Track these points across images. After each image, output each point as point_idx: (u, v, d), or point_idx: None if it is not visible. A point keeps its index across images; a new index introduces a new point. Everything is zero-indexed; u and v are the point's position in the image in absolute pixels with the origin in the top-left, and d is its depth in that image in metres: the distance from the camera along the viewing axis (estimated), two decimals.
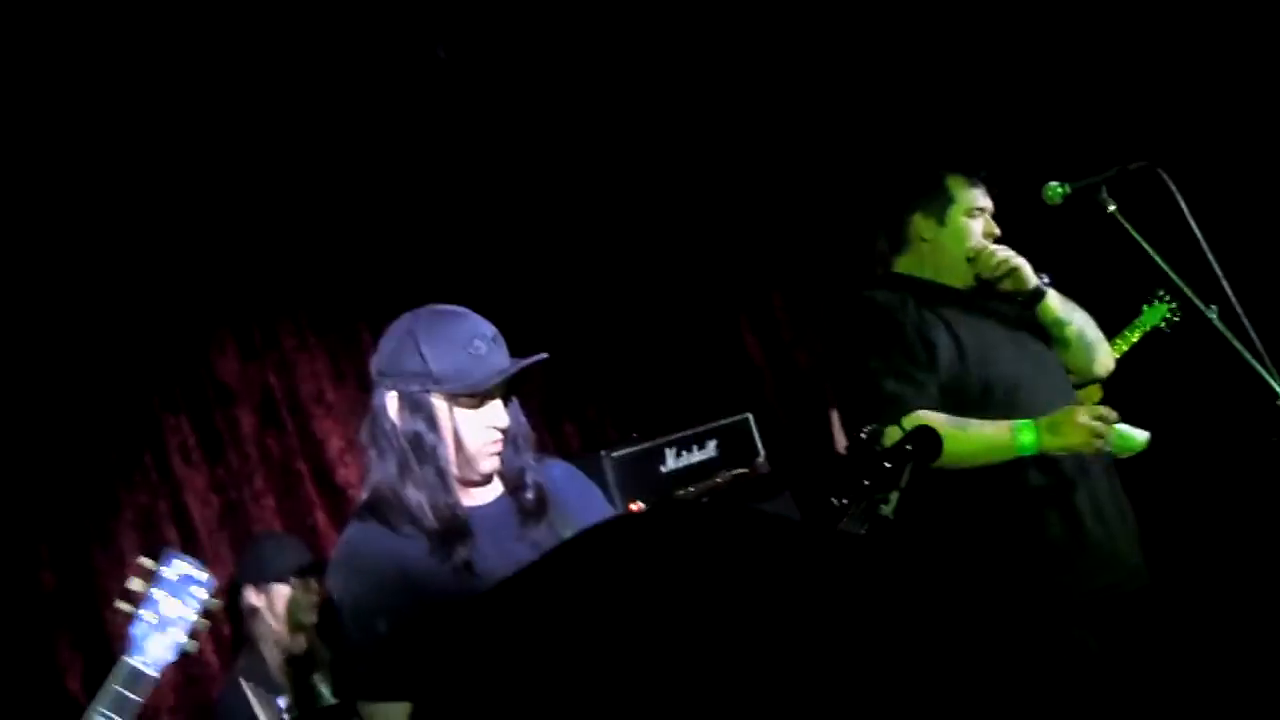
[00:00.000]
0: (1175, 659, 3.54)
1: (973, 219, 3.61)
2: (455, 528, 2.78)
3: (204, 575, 2.75)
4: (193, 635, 2.72)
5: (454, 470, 2.82)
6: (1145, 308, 4.40)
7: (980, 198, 3.64)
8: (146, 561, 2.72)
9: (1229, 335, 3.33)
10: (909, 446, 2.72)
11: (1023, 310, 3.65)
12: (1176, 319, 4.24)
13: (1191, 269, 3.47)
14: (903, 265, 3.69)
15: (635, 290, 6.26)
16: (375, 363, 2.87)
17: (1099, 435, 3.25)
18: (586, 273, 6.11)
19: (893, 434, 3.20)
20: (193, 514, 4.93)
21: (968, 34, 5.99)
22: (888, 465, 2.77)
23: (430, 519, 2.77)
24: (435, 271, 5.47)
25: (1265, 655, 4.70)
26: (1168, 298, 4.25)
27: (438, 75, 5.25)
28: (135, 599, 2.67)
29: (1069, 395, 3.63)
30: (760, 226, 6.49)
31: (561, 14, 5.60)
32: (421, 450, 2.78)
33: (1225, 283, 3.36)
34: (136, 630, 2.65)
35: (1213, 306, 3.42)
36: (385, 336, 2.87)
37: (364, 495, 2.88)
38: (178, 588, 2.70)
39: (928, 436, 2.75)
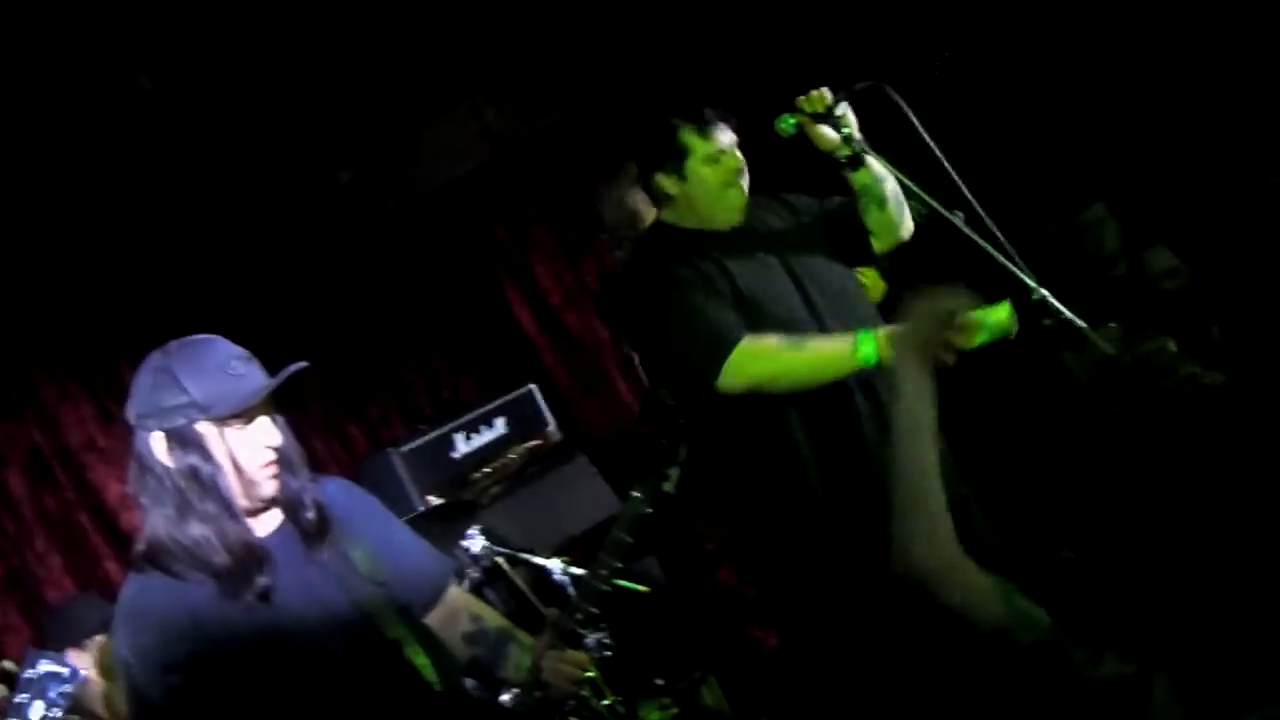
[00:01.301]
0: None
1: (714, 165, 3.58)
2: (251, 557, 2.71)
3: (65, 670, 2.62)
4: None
5: (238, 501, 2.75)
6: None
7: (717, 139, 3.60)
8: (7, 664, 2.59)
9: (977, 238, 3.43)
10: (681, 420, 2.75)
11: (796, 223, 3.68)
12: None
13: (931, 180, 3.58)
14: (667, 218, 3.68)
15: (395, 279, 6.19)
16: (132, 408, 2.77)
17: (949, 330, 3.16)
18: (339, 272, 6.02)
19: (735, 367, 3.24)
20: None
21: None
22: (664, 442, 2.82)
23: (221, 555, 2.69)
24: (185, 296, 5.32)
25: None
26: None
27: (145, 106, 5.07)
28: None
29: (859, 314, 3.61)
30: (518, 193, 6.45)
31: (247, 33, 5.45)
32: (200, 484, 2.69)
33: (965, 189, 3.45)
34: None
35: (957, 212, 3.51)
36: (137, 379, 2.76)
37: (140, 547, 2.76)
38: (42, 687, 2.57)
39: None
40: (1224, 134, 5.53)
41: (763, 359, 3.33)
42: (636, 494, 3.03)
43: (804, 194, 3.79)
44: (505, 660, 2.97)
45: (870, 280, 4.14)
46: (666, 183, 3.61)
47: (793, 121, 3.51)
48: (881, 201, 3.61)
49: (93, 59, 4.72)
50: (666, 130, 3.63)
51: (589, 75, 6.12)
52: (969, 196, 3.45)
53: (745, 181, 3.62)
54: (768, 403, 3.38)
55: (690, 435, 3.01)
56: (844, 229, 3.67)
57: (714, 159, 3.58)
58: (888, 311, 3.71)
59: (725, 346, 3.31)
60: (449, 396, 6.09)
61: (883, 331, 3.29)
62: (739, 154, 3.63)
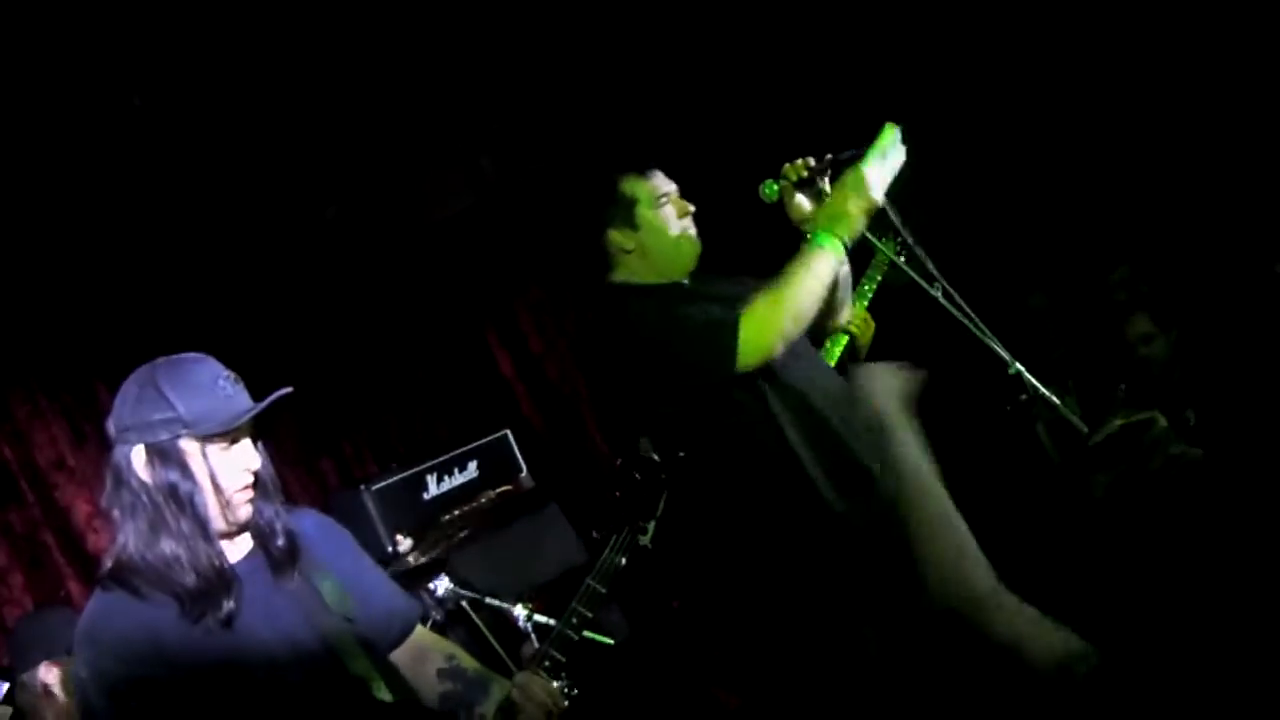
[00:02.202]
0: None
1: (661, 208, 3.55)
2: (219, 580, 2.70)
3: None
4: None
5: (214, 522, 2.74)
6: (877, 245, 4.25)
7: (661, 184, 3.58)
8: None
9: (956, 311, 3.46)
10: (663, 475, 2.75)
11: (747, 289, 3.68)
12: (903, 254, 4.12)
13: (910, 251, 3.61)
14: (619, 277, 3.60)
15: (378, 319, 6.19)
16: (115, 420, 2.74)
17: (862, 191, 3.29)
18: (323, 309, 6.01)
19: (748, 339, 3.21)
20: None
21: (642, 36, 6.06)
22: (645, 494, 2.81)
23: (189, 575, 2.68)
24: (166, 320, 5.30)
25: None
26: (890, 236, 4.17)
27: (133, 124, 5.07)
28: None
29: (818, 361, 3.65)
30: (499, 244, 6.48)
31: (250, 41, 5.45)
32: (178, 501, 2.67)
33: (932, 265, 3.49)
34: None
35: (936, 285, 3.53)
36: (122, 392, 2.75)
37: (107, 564, 2.74)
38: None
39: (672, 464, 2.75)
40: (1225, 218, 5.57)
41: (767, 315, 3.27)
42: (613, 546, 3.02)
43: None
44: (483, 696, 2.95)
45: (859, 319, 4.13)
46: (619, 237, 3.55)
47: (776, 187, 3.52)
48: (832, 285, 3.52)
49: (80, 75, 4.72)
50: (607, 184, 3.59)
51: (581, 125, 6.16)
52: (937, 273, 3.48)
53: (693, 230, 3.58)
54: (764, 427, 3.35)
55: (676, 485, 2.99)
56: None
57: (661, 202, 3.55)
58: (877, 352, 3.73)
59: (730, 328, 3.26)
60: (423, 437, 6.08)
61: (820, 216, 3.35)
62: (684, 199, 3.61)
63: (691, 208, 3.59)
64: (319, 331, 5.93)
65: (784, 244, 3.47)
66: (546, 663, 2.96)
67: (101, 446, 4.89)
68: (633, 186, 3.57)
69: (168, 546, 2.67)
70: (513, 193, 6.28)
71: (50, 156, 5.01)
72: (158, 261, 5.53)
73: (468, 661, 3.02)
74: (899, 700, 3.36)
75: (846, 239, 3.33)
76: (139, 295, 5.44)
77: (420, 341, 6.29)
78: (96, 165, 5.16)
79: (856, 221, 3.33)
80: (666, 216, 3.55)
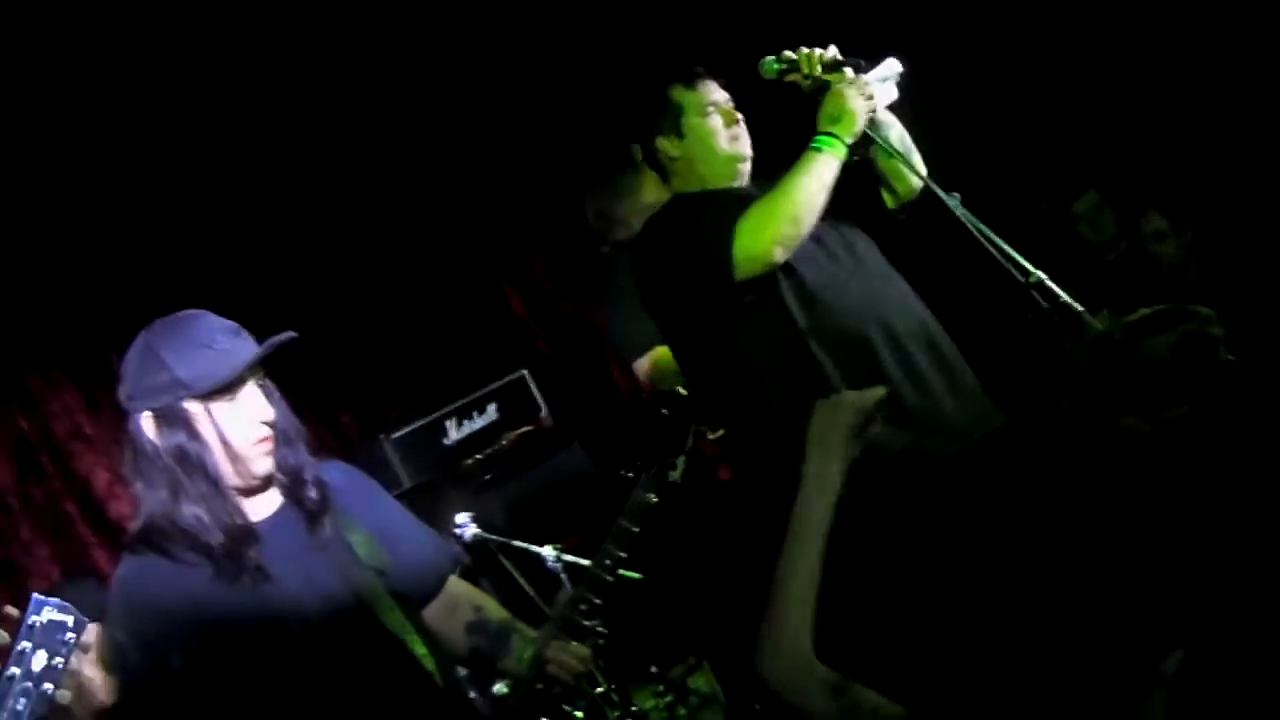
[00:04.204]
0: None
1: (708, 117, 3.55)
2: (239, 535, 2.68)
3: (70, 618, 2.53)
4: (63, 686, 2.52)
5: (229, 479, 2.71)
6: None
7: (708, 92, 3.58)
8: (10, 610, 2.50)
9: (973, 221, 3.39)
10: (690, 409, 2.72)
11: None
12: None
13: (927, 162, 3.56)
14: (675, 187, 3.62)
15: (388, 265, 6.14)
16: (122, 390, 2.75)
17: (864, 91, 3.31)
18: (332, 258, 5.96)
19: (744, 244, 3.18)
20: None
21: None
22: (673, 430, 2.79)
23: (214, 533, 2.66)
24: (174, 279, 5.25)
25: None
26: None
27: (135, 91, 5.02)
28: None
29: (876, 268, 3.58)
30: (505, 182, 6.41)
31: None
32: (188, 463, 2.66)
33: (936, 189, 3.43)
34: (3, 689, 2.45)
35: (954, 194, 3.47)
36: (125, 360, 2.75)
37: (135, 527, 2.74)
38: (46, 635, 2.48)
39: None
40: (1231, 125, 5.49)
41: (761, 222, 3.27)
42: (643, 483, 2.99)
43: None
44: (507, 651, 2.94)
45: None
46: (666, 145, 3.57)
47: (776, 67, 3.49)
48: (890, 149, 3.53)
49: (85, 47, 4.70)
50: (656, 92, 3.60)
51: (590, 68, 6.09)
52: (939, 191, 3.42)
53: (745, 138, 3.58)
54: (801, 355, 3.30)
55: (708, 417, 2.97)
56: (855, 183, 3.56)
57: (708, 110, 3.55)
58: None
59: (724, 237, 3.26)
60: (440, 381, 6.05)
61: (822, 116, 3.34)
62: (734, 108, 3.60)
63: (739, 116, 3.57)
64: (329, 284, 5.89)
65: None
66: (582, 605, 2.93)
67: (117, 414, 4.92)
68: (680, 94, 3.57)
69: (188, 509, 2.66)
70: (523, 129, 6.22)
71: (53, 125, 4.99)
72: (164, 221, 5.49)
73: (494, 612, 3.00)
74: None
75: (847, 138, 3.31)
76: (146, 255, 5.40)
77: (431, 285, 6.24)
78: (100, 130, 5.14)
79: (857, 120, 3.32)
80: (714, 125, 3.54)
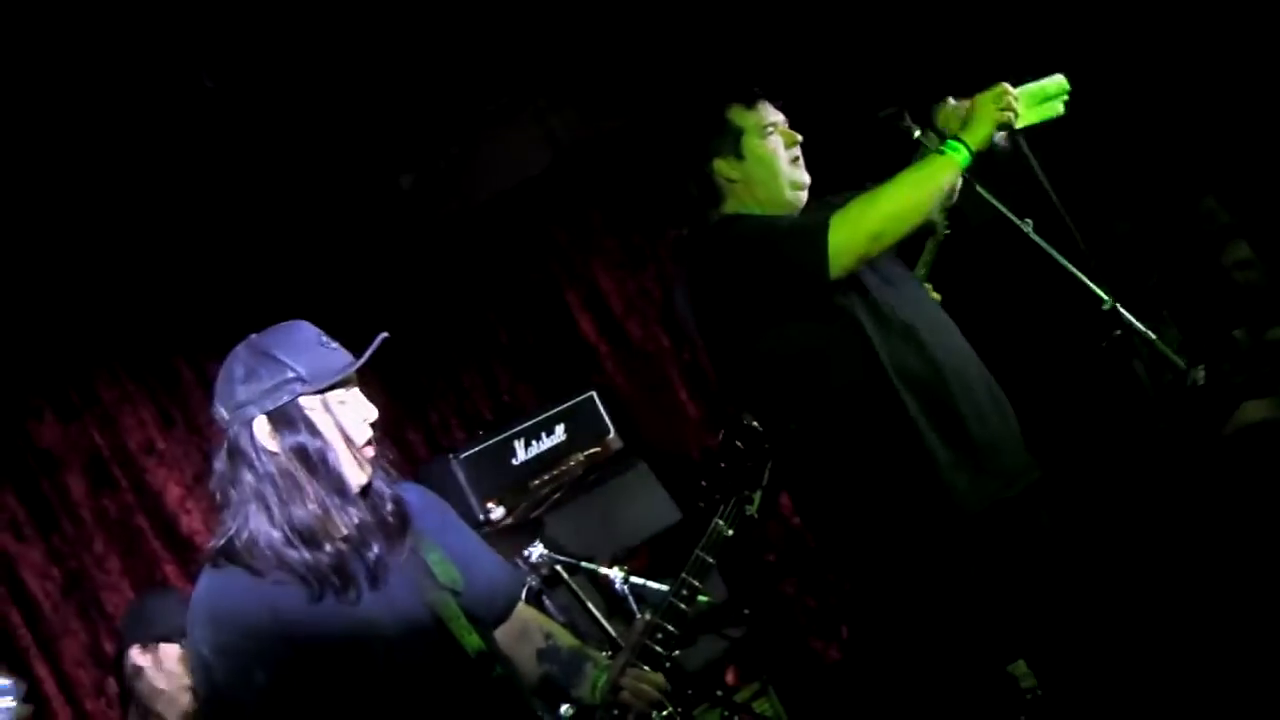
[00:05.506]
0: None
1: (768, 138, 3.50)
2: (360, 536, 2.68)
3: (6, 682, 2.54)
4: None
5: (349, 478, 2.69)
6: None
7: (767, 114, 3.53)
8: None
9: (1047, 247, 3.35)
10: (766, 445, 2.70)
11: None
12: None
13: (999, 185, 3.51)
14: (730, 209, 3.55)
15: (458, 284, 6.16)
16: (223, 402, 2.70)
17: (1003, 103, 3.24)
18: (400, 278, 5.98)
19: (839, 240, 3.14)
20: (32, 590, 4.76)
21: None
22: (750, 464, 2.77)
23: (325, 541, 2.65)
24: (244, 300, 5.27)
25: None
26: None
27: (206, 104, 5.05)
28: None
29: (921, 296, 3.58)
30: (581, 198, 6.41)
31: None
32: (309, 462, 2.64)
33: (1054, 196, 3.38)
34: None
35: (1027, 220, 3.43)
36: (224, 374, 2.71)
37: (218, 543, 2.70)
38: None
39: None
40: None
41: (859, 213, 3.20)
42: (721, 515, 2.97)
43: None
44: (580, 679, 2.91)
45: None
46: (725, 167, 3.51)
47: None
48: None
49: (156, 55, 4.72)
50: (715, 113, 3.55)
51: (652, 80, 6.07)
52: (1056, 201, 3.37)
53: (801, 161, 3.53)
54: (878, 389, 3.28)
55: (783, 450, 2.94)
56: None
57: (768, 131, 3.51)
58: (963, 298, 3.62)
59: (820, 229, 3.19)
60: (509, 402, 6.06)
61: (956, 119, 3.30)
62: (792, 130, 3.57)
63: (799, 138, 3.54)
64: (399, 303, 5.91)
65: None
66: (658, 634, 2.91)
67: (189, 429, 4.96)
68: (740, 116, 3.52)
69: (301, 515, 2.64)
70: (584, 148, 6.21)
71: (124, 136, 5.02)
72: (237, 239, 5.53)
73: (564, 640, 2.97)
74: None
75: (974, 147, 3.24)
76: (219, 274, 5.44)
77: (500, 305, 6.25)
78: (170, 145, 5.16)
79: (990, 130, 3.25)
80: (774, 146, 3.50)
